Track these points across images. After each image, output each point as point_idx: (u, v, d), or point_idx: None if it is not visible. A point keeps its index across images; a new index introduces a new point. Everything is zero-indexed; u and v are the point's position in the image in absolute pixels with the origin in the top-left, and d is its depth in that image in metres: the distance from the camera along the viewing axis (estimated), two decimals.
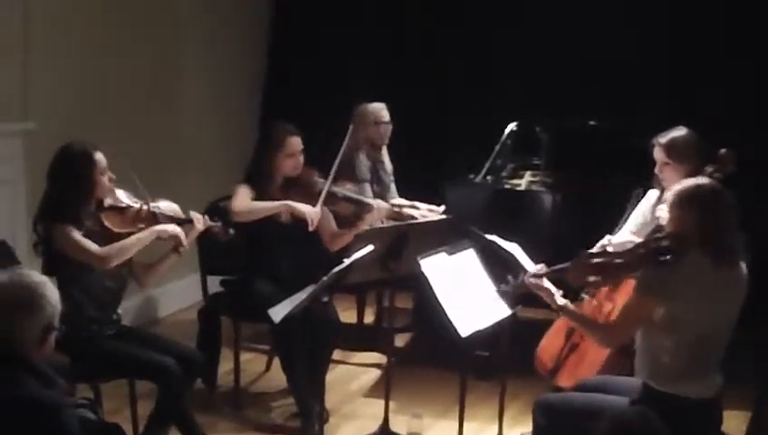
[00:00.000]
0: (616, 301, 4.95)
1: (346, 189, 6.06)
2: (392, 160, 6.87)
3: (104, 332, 4.90)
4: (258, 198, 5.73)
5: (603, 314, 4.96)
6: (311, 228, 5.69)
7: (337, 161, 5.84)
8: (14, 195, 6.00)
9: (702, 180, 4.30)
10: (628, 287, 4.58)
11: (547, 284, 4.48)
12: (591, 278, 4.35)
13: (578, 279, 4.39)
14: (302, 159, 5.84)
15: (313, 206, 5.74)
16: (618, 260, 4.28)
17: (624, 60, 7.50)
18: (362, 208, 5.99)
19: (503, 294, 4.78)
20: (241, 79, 8.35)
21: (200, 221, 5.13)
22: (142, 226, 4.94)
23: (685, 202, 4.13)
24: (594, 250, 4.50)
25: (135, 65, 7.02)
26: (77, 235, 4.75)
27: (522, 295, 4.72)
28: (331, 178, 5.82)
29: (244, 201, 5.67)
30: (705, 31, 7.43)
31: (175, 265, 5.17)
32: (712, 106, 7.16)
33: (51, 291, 3.46)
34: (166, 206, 5.09)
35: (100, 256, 4.77)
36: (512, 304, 4.85)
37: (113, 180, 4.93)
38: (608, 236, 5.28)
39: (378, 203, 6.10)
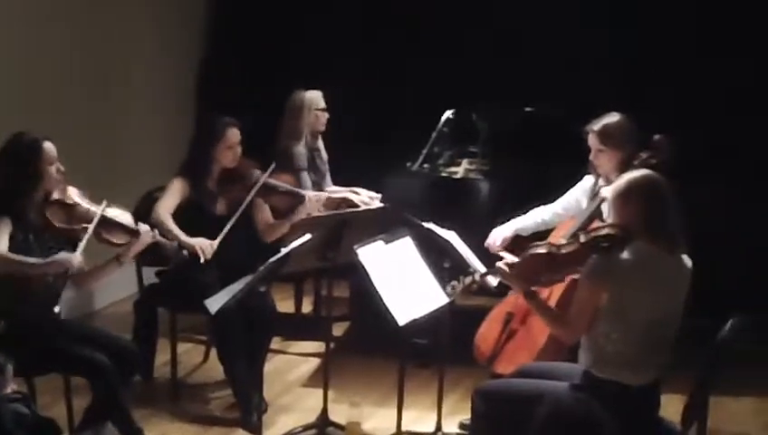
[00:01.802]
0: (552, 288, 4.96)
1: (281, 181, 6.05)
2: (329, 150, 6.85)
3: (42, 327, 4.82)
4: (194, 190, 5.76)
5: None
6: (202, 260, 5.60)
7: (278, 154, 5.90)
8: None
9: (640, 172, 4.33)
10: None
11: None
12: (542, 275, 4.37)
13: (530, 276, 4.38)
14: (239, 150, 5.83)
15: (244, 197, 5.73)
16: (565, 252, 4.29)
17: (562, 45, 7.54)
18: (297, 201, 6.00)
19: (452, 294, 4.78)
20: (180, 71, 8.29)
21: (148, 234, 5.08)
22: (85, 226, 4.86)
23: (625, 195, 4.17)
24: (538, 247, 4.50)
25: (75, 55, 6.96)
26: (3, 229, 4.66)
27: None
28: (269, 171, 5.84)
29: (163, 208, 5.66)
30: (647, 13, 7.49)
31: (113, 270, 5.08)
32: (653, 92, 7.22)
33: None
34: (117, 213, 5.02)
35: None
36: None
37: (62, 172, 4.88)
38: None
39: (311, 195, 6.11)
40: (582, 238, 4.25)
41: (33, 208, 4.82)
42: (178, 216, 5.67)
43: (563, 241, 4.42)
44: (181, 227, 5.61)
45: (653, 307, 4.14)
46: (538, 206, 5.53)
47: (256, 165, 5.92)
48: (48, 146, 4.83)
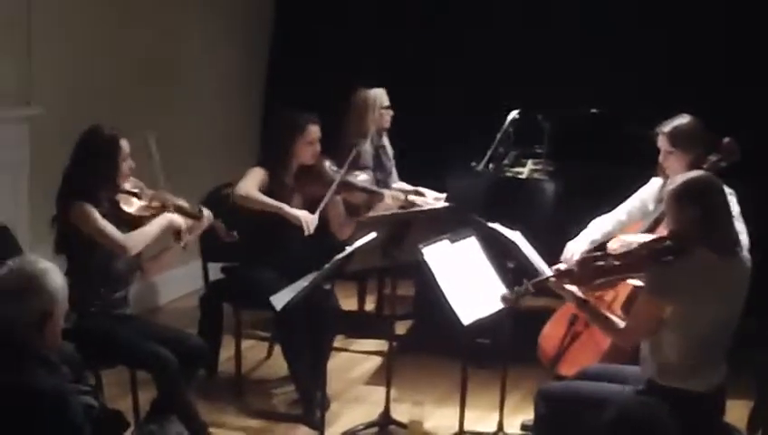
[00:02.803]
0: (618, 290, 4.93)
1: (359, 179, 6.11)
2: (395, 148, 6.86)
3: (111, 311, 4.95)
4: (272, 182, 5.78)
5: (606, 302, 4.95)
6: (306, 233, 5.70)
7: (354, 152, 6.01)
8: (17, 181, 5.99)
9: (694, 174, 4.30)
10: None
11: (567, 285, 4.45)
12: (597, 281, 4.34)
13: (585, 282, 4.36)
14: (318, 147, 5.88)
15: (324, 195, 5.76)
16: (621, 263, 4.27)
17: (626, 47, 7.50)
18: (374, 198, 6.06)
19: (505, 300, 4.74)
20: (245, 66, 8.34)
21: (209, 218, 5.23)
22: (155, 214, 5.03)
23: (681, 199, 4.13)
24: (594, 255, 4.48)
25: (140, 49, 7.01)
26: (99, 217, 4.82)
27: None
28: (346, 166, 5.90)
29: (249, 185, 5.71)
30: (706, 17, 7.43)
31: (177, 255, 5.22)
32: (714, 93, 7.15)
33: (51, 280, 3.47)
34: (177, 199, 5.18)
35: (122, 244, 4.86)
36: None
37: (132, 169, 5.02)
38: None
39: (389, 193, 6.15)
40: (643, 251, 4.21)
41: (107, 198, 4.95)
42: (254, 209, 5.73)
43: (624, 249, 4.39)
44: (253, 220, 5.66)
45: (717, 314, 4.11)
46: (602, 205, 5.49)
47: (334, 162, 5.98)
48: (124, 143, 4.96)
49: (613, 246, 4.78)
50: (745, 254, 4.30)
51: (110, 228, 4.83)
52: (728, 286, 4.14)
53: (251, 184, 5.73)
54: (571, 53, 7.63)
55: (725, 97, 7.16)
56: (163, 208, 5.06)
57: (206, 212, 5.23)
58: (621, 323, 4.29)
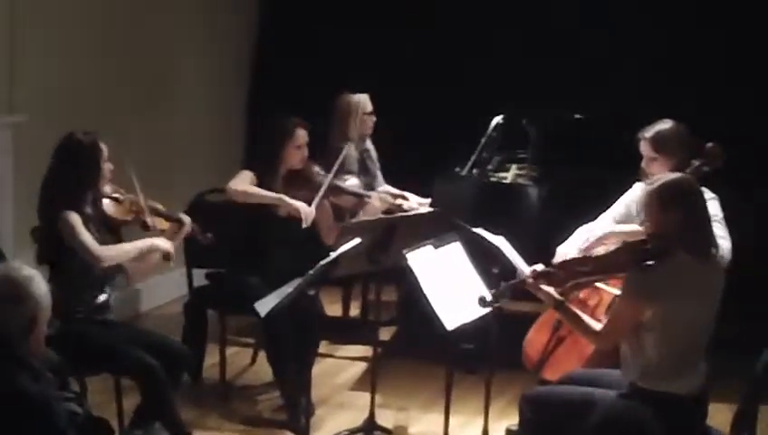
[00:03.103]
0: (601, 294, 4.94)
1: (347, 183, 6.19)
2: (380, 153, 6.86)
3: (95, 316, 4.95)
4: (261, 186, 5.79)
5: (590, 308, 4.96)
6: (304, 225, 5.72)
7: (342, 155, 6.02)
8: (0, 188, 5.97)
9: (672, 176, 4.32)
10: (612, 280, 4.61)
11: (543, 286, 4.45)
12: (574, 282, 4.35)
13: (563, 283, 4.37)
14: (306, 152, 5.89)
15: (313, 199, 5.77)
16: (600, 265, 4.29)
17: (626, 47, 7.52)
18: (362, 202, 6.08)
19: (484, 304, 4.70)
20: (229, 72, 8.33)
21: (189, 223, 5.24)
22: (136, 217, 5.07)
23: (661, 201, 4.14)
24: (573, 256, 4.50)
25: (125, 57, 7.00)
26: (80, 226, 4.81)
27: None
28: (334, 170, 5.92)
29: (242, 183, 5.71)
30: (706, 17, 7.46)
31: (162, 264, 5.20)
32: (714, 93, 7.18)
33: (36, 287, 3.46)
34: (155, 203, 5.21)
35: (97, 256, 4.84)
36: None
37: (111, 171, 5.02)
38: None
39: (377, 197, 6.17)
40: (623, 254, 4.22)
41: (90, 204, 4.95)
42: (240, 214, 5.73)
43: (603, 251, 4.40)
44: (241, 226, 5.66)
45: (696, 316, 4.14)
46: (586, 211, 5.49)
47: (322, 167, 5.99)
48: (103, 146, 4.97)
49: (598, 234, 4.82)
50: (722, 254, 4.30)
51: (88, 239, 4.82)
52: (707, 288, 4.17)
53: (245, 181, 5.74)
54: (571, 54, 7.63)
55: (725, 97, 7.19)
56: (141, 212, 5.08)
57: (185, 217, 5.25)
58: (598, 326, 4.31)
